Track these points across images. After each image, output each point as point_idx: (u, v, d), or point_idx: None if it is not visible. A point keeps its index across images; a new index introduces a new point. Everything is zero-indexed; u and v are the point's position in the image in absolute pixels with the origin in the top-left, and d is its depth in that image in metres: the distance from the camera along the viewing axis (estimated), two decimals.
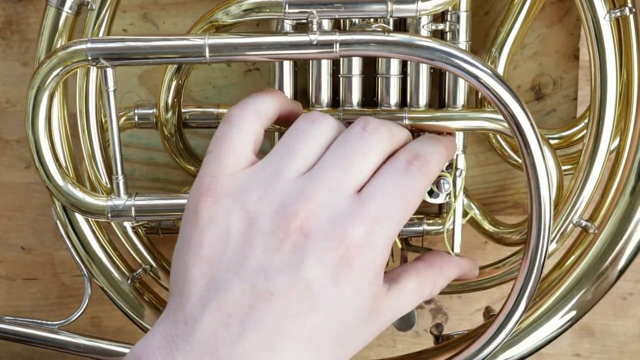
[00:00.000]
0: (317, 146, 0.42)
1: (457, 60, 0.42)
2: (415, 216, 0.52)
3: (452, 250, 0.49)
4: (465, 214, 0.52)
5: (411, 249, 0.53)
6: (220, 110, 0.50)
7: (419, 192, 0.42)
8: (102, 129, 0.48)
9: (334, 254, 0.39)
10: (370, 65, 0.50)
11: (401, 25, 0.49)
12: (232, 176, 0.41)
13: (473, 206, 0.52)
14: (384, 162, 0.42)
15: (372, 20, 0.47)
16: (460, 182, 0.48)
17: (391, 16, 0.44)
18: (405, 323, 0.51)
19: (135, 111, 0.50)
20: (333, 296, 0.39)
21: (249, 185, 0.41)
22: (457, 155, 0.48)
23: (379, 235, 0.40)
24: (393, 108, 0.49)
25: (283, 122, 0.45)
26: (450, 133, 0.48)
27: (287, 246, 0.39)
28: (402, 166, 0.41)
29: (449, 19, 0.48)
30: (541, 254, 0.44)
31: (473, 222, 0.52)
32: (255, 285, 0.38)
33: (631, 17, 0.46)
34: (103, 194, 0.48)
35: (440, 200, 0.48)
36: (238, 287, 0.38)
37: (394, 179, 0.41)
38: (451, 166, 0.48)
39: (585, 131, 0.49)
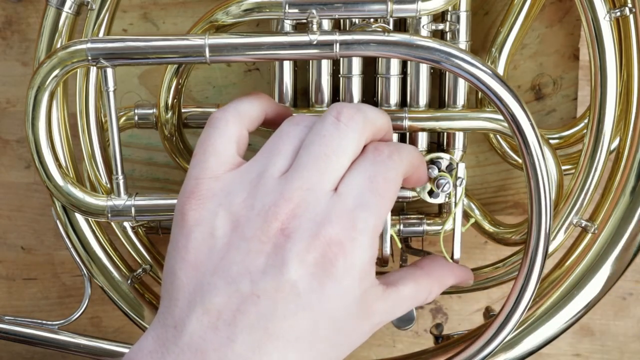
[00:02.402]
0: (296, 140, 0.42)
1: (457, 60, 0.42)
2: (415, 216, 0.52)
3: (452, 257, 0.49)
4: (466, 218, 0.52)
5: (410, 251, 0.53)
6: None
7: (392, 180, 0.41)
8: (102, 129, 0.48)
9: (315, 254, 0.39)
10: (370, 65, 0.50)
11: (401, 25, 0.49)
12: (216, 179, 0.41)
13: (473, 207, 0.52)
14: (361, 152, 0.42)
15: (372, 20, 0.47)
16: (460, 190, 0.48)
17: (391, 16, 0.44)
18: (405, 321, 0.51)
19: (135, 111, 0.50)
20: (319, 296, 0.39)
21: (233, 188, 0.41)
22: (457, 164, 0.48)
23: (360, 230, 0.39)
24: (393, 108, 0.49)
25: (273, 125, 0.45)
26: None
27: (270, 248, 0.39)
28: (371, 156, 0.41)
29: (449, 19, 0.48)
30: (541, 254, 0.44)
31: (473, 223, 0.52)
32: (241, 288, 0.38)
33: (631, 17, 0.46)
34: (103, 194, 0.48)
35: (440, 200, 0.48)
36: (224, 290, 0.39)
37: (366, 171, 0.41)
38: (451, 166, 0.48)
39: (585, 131, 0.49)
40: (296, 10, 0.44)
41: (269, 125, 0.46)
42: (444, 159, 0.48)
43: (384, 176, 0.41)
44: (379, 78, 0.49)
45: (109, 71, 0.44)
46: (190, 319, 0.39)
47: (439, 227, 0.51)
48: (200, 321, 0.38)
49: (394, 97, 0.49)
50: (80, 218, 0.50)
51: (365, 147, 0.42)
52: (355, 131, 0.41)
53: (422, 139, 0.50)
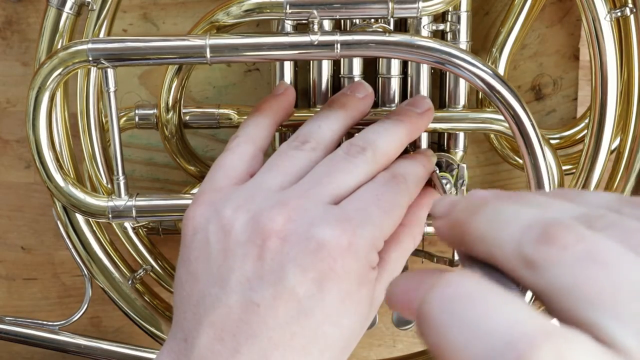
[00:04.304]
0: (301, 164, 0.42)
1: (458, 61, 0.42)
2: None
3: (452, 257, 0.48)
4: None
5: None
6: (221, 111, 0.50)
7: (398, 204, 0.41)
8: (103, 129, 0.48)
9: (314, 258, 0.37)
10: (371, 66, 0.50)
11: (402, 25, 0.49)
12: (219, 190, 0.41)
13: None
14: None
15: (372, 20, 0.47)
16: (462, 192, 0.48)
17: (392, 16, 0.44)
18: (405, 321, 0.51)
19: (136, 111, 0.50)
20: (320, 302, 0.38)
21: (232, 196, 0.40)
22: (458, 165, 0.48)
23: (359, 235, 0.38)
24: (394, 108, 0.49)
25: (289, 126, 0.46)
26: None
27: (266, 252, 0.38)
28: (381, 181, 0.41)
29: (449, 19, 0.48)
30: None
31: None
32: (241, 297, 0.38)
33: (632, 17, 0.46)
34: (104, 194, 0.48)
35: None
36: (225, 301, 0.38)
37: (373, 190, 0.40)
38: (452, 166, 0.48)
39: (585, 131, 0.49)
40: (297, 11, 0.44)
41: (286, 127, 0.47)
42: (445, 159, 0.48)
43: (391, 199, 0.40)
44: (380, 78, 0.49)
45: (110, 72, 0.44)
46: (199, 332, 0.38)
47: None
48: (207, 334, 0.38)
49: (395, 98, 0.49)
50: (80, 218, 0.50)
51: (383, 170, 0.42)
52: (364, 163, 0.41)
53: (423, 139, 0.50)
